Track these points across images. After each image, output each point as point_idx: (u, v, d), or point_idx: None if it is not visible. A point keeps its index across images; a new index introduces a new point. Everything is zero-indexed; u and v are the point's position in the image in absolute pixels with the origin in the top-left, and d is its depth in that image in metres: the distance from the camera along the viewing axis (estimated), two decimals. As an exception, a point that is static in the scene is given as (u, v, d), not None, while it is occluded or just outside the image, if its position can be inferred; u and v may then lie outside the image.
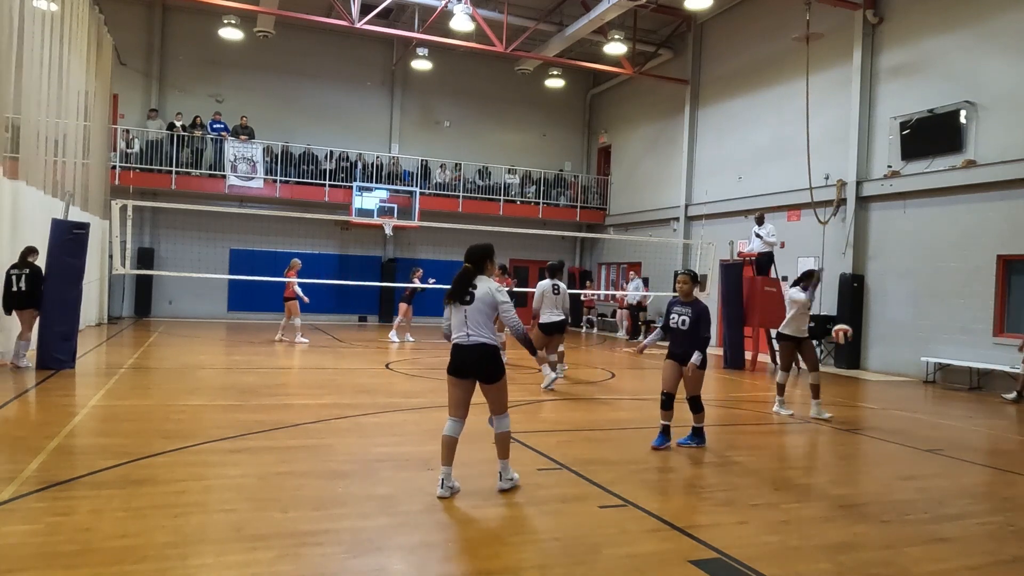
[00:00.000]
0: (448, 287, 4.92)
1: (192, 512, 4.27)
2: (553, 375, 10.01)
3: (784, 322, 8.84)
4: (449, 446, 4.85)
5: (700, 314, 6.43)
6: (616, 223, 23.96)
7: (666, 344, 6.75)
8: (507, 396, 5.01)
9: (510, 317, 4.93)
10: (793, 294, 8.79)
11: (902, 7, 14.53)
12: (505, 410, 4.98)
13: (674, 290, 7.42)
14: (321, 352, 13.84)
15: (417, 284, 16.45)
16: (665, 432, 6.59)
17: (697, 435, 6.75)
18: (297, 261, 15.40)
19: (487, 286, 4.85)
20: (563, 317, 10.29)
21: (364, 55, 22.89)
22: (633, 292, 20.19)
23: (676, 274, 6.73)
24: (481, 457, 5.88)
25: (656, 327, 6.97)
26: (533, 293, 10.66)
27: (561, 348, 10.97)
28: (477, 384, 4.95)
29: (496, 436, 5.02)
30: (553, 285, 10.24)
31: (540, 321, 10.17)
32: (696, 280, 6.60)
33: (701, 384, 6.64)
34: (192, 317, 20.39)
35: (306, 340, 15.00)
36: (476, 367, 4.83)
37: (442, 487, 4.76)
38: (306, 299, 15.18)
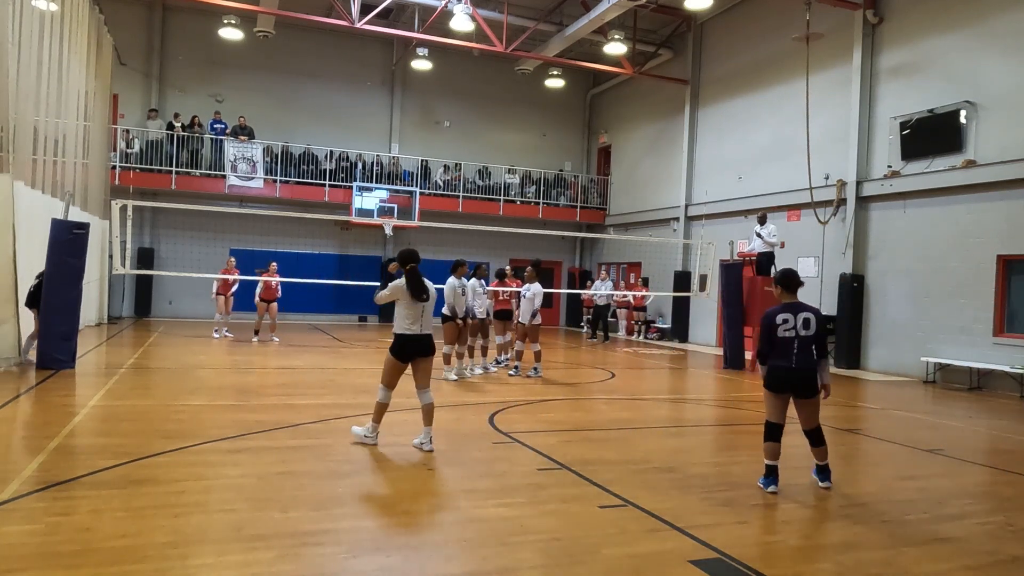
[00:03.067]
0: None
1: (192, 512, 4.27)
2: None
3: None
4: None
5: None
6: (616, 223, 23.96)
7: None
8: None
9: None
10: None
11: (902, 7, 14.53)
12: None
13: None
14: (321, 352, 13.84)
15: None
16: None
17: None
18: (232, 259, 15.95)
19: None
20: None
21: (364, 55, 22.88)
22: (602, 292, 20.05)
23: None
24: (480, 456, 5.89)
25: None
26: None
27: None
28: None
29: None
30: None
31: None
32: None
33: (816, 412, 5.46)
34: (192, 317, 20.37)
35: (216, 335, 15.43)
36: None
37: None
38: (222, 296, 15.59)
